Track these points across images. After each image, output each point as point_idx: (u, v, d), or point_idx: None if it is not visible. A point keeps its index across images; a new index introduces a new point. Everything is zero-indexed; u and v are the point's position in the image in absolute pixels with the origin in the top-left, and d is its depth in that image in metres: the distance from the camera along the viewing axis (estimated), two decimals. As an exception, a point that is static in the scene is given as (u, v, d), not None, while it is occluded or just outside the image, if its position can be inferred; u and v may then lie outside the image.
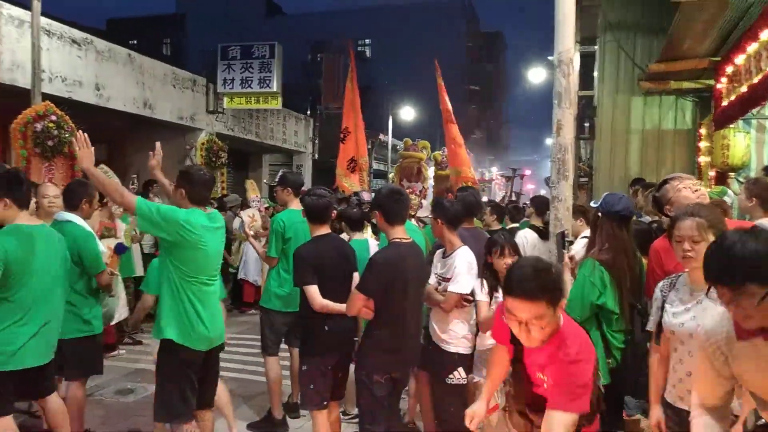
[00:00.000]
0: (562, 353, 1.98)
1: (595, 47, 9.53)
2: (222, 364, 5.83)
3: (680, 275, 2.50)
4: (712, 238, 2.23)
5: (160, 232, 3.14)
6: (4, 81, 7.55)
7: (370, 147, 17.96)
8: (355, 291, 3.04)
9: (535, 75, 16.03)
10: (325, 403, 3.41)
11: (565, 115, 3.87)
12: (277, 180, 5.14)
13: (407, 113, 23.44)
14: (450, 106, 9.49)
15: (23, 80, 7.69)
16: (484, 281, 3.46)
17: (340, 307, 3.21)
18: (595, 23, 9.45)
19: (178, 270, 3.10)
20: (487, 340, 3.34)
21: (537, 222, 5.64)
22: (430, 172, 10.59)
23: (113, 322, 6.00)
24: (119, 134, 11.73)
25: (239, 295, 8.89)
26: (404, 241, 3.16)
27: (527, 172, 36.82)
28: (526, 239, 5.23)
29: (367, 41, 35.10)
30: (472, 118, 39.76)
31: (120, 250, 6.22)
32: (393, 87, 27.03)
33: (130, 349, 6.60)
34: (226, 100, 12.14)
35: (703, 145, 7.54)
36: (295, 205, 4.53)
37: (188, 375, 3.14)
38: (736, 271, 1.53)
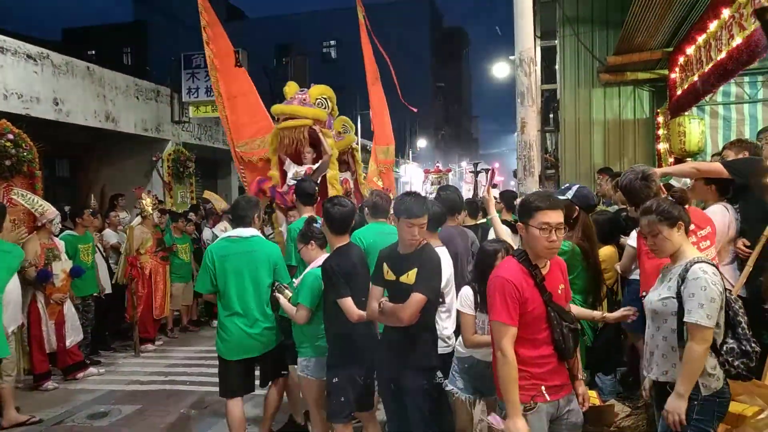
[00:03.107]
0: (557, 260, 2.63)
1: (556, 41, 9.71)
2: (194, 378, 5.88)
3: None
4: None
5: None
6: (-44, 101, 7.33)
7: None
8: (419, 295, 2.89)
9: (500, 70, 16.22)
10: (352, 414, 3.36)
11: (529, 113, 3.96)
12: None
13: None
14: (375, 66, 7.89)
15: (-23, 99, 7.48)
16: (472, 292, 3.21)
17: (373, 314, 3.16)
18: (554, 18, 9.62)
19: None
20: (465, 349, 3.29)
21: (507, 216, 5.73)
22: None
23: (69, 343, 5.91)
24: (82, 149, 11.48)
25: (212, 308, 8.78)
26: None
27: (496, 165, 37.09)
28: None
29: (332, 43, 35.05)
30: (440, 114, 40.05)
31: (76, 272, 6.13)
32: (360, 87, 26.95)
33: (108, 369, 6.44)
34: (191, 109, 11.98)
35: (661, 132, 7.77)
36: (307, 213, 4.51)
37: None
38: None
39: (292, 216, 5.55)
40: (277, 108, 6.13)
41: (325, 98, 6.15)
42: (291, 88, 6.26)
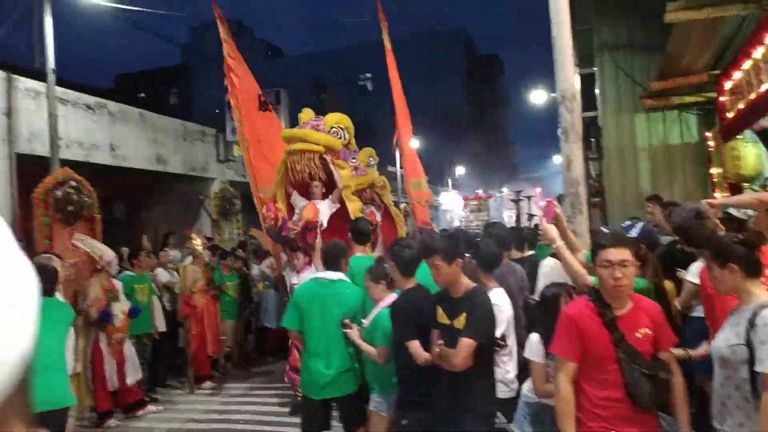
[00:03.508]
0: (645, 304, 2.52)
1: (594, 68, 9.66)
2: (249, 416, 5.95)
3: None
4: None
5: None
6: (23, 151, 7.81)
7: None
8: (468, 340, 2.85)
9: (537, 97, 16.20)
10: None
11: (574, 150, 3.94)
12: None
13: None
14: (402, 93, 7.38)
15: (42, 149, 7.95)
16: (540, 339, 3.06)
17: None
18: (591, 43, 9.60)
19: None
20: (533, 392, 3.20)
21: None
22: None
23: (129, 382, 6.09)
24: (136, 191, 11.99)
25: (263, 344, 8.90)
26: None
27: (537, 190, 36.64)
28: (552, 268, 5.09)
29: (368, 75, 35.70)
30: (478, 141, 40.04)
31: (134, 312, 6.36)
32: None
33: (165, 407, 6.56)
34: (235, 148, 12.37)
35: (713, 157, 7.56)
36: (360, 251, 4.63)
37: None
38: None
39: (295, 258, 5.29)
40: (286, 132, 5.69)
41: (341, 128, 5.63)
42: (306, 114, 5.90)
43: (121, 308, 6.23)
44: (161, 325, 7.35)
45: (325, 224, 5.43)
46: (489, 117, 42.62)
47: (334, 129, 5.57)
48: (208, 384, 7.37)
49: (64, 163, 7.86)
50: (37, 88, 8.03)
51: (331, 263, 4.01)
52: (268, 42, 39.89)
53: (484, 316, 2.97)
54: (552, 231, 3.38)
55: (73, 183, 7.41)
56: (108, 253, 6.42)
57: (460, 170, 33.40)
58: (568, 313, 2.50)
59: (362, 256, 4.59)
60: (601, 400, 2.40)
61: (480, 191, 27.98)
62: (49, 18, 7.47)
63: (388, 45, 7.68)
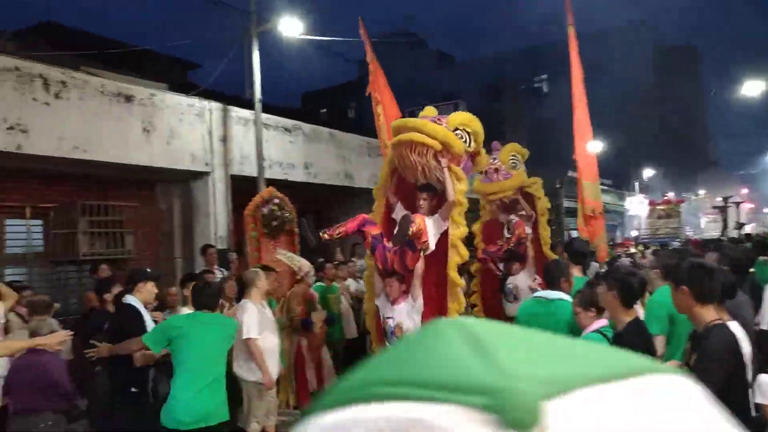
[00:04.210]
0: None
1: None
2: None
3: None
4: None
5: None
6: (236, 172, 8.88)
7: (558, 186, 17.16)
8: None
9: (749, 87, 14.21)
10: None
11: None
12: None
13: (593, 146, 22.21)
14: (582, 83, 6.89)
15: (249, 170, 8.96)
16: None
17: None
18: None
19: None
20: None
21: None
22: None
23: None
24: (324, 204, 12.95)
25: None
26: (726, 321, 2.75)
27: (743, 191, 32.03)
28: None
29: (543, 76, 34.48)
30: (668, 138, 36.42)
31: (330, 321, 6.87)
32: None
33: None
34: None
35: None
36: (576, 271, 4.51)
37: None
38: None
39: (389, 285, 4.37)
40: (399, 121, 4.71)
41: (467, 131, 4.48)
42: (428, 111, 4.99)
43: (318, 317, 6.76)
44: (352, 332, 7.83)
45: (432, 246, 4.39)
46: (683, 112, 38.52)
47: (458, 131, 4.42)
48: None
49: (268, 182, 8.77)
50: (246, 116, 9.08)
51: (551, 282, 3.97)
52: (441, 51, 40.59)
53: (714, 364, 2.55)
54: None
55: (276, 200, 8.23)
56: (305, 264, 7.00)
57: (648, 172, 30.60)
58: None
59: (578, 276, 4.43)
60: None
61: (670, 194, 25.17)
62: (256, 54, 8.41)
63: (573, 40, 7.26)
